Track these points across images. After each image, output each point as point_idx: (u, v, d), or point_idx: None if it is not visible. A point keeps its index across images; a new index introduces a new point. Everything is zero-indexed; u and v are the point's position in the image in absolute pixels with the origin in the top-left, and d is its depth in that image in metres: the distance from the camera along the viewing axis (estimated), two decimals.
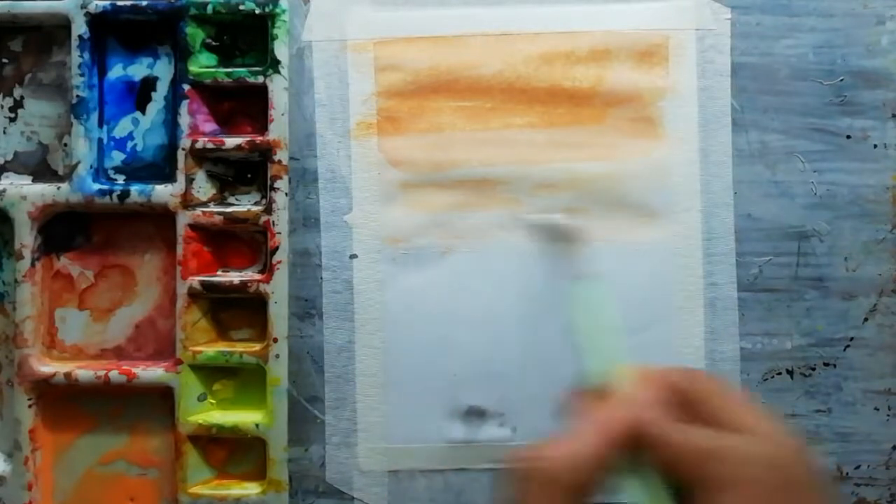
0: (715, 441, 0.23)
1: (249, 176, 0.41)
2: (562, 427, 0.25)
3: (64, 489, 0.40)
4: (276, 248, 0.39)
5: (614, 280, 0.40)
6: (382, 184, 0.41)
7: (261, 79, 0.39)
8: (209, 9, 0.39)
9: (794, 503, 0.22)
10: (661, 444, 0.23)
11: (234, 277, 0.40)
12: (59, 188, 0.40)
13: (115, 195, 0.39)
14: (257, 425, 0.39)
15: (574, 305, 0.24)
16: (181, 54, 0.40)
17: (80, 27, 0.39)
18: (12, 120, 0.41)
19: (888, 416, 0.41)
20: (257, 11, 0.39)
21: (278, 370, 0.39)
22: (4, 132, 0.41)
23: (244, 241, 0.41)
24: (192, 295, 0.39)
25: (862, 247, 0.41)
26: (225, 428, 0.39)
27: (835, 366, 0.41)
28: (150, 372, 0.39)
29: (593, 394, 0.25)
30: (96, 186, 0.40)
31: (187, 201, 0.39)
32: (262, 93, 0.39)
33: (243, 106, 0.40)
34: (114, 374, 0.39)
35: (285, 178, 0.39)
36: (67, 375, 0.39)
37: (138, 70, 0.41)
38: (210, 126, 0.40)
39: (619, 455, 0.24)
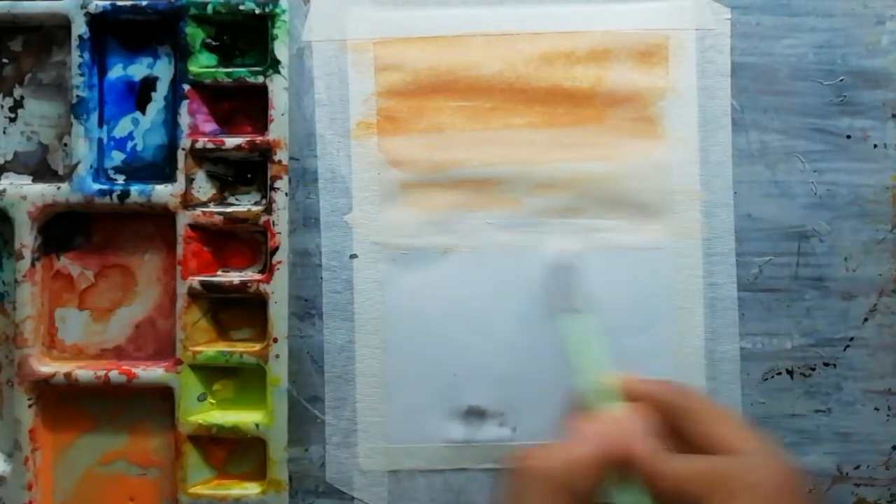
0: (705, 468, 0.23)
1: (249, 176, 0.41)
2: (558, 438, 0.26)
3: (64, 489, 0.40)
4: (276, 248, 0.39)
5: (614, 280, 0.40)
6: (382, 184, 0.41)
7: (261, 79, 0.39)
8: (209, 9, 0.39)
9: None
10: (650, 474, 0.24)
11: (234, 277, 0.40)
12: (59, 188, 0.40)
13: (115, 195, 0.39)
14: (257, 425, 0.39)
15: (567, 336, 0.25)
16: (181, 54, 0.40)
17: (80, 27, 0.39)
18: (12, 120, 0.41)
19: (888, 416, 0.41)
20: (257, 11, 0.39)
21: (278, 370, 0.39)
22: (4, 132, 0.41)
23: (244, 241, 0.41)
24: (192, 295, 0.39)
25: (862, 247, 0.41)
26: (225, 428, 0.39)
27: (835, 366, 0.41)
28: (150, 372, 0.39)
29: (587, 413, 0.26)
30: (96, 186, 0.40)
31: (187, 201, 0.39)
32: (262, 93, 0.39)
33: (243, 106, 0.40)
34: (114, 374, 0.39)
35: (285, 178, 0.39)
36: (67, 375, 0.39)
37: (138, 70, 0.41)
38: (210, 126, 0.40)
39: (609, 471, 0.24)
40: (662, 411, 0.25)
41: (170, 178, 0.40)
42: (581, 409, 0.26)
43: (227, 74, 0.39)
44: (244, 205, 0.40)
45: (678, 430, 0.25)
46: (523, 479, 0.24)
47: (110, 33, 0.41)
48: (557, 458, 0.24)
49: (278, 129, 0.39)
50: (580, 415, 0.26)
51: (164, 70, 0.41)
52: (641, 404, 0.26)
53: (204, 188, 0.40)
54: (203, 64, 0.40)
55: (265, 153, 0.39)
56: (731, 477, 0.22)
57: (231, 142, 0.39)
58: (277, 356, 0.39)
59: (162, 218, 0.40)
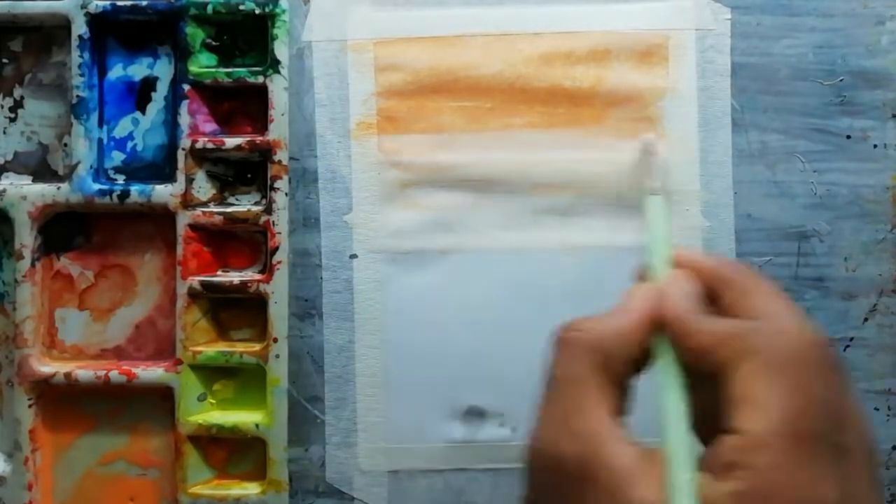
0: (728, 328, 0.23)
1: (249, 176, 0.41)
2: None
3: (64, 489, 0.40)
4: (276, 248, 0.39)
5: (614, 280, 0.40)
6: (382, 184, 0.41)
7: (261, 79, 0.39)
8: (209, 9, 0.39)
9: (816, 377, 0.21)
10: (679, 334, 0.23)
11: (234, 277, 0.40)
12: (59, 188, 0.40)
13: (115, 195, 0.39)
14: (257, 425, 0.39)
15: (644, 214, 0.27)
16: (181, 54, 0.40)
17: (80, 27, 0.39)
18: (12, 120, 0.41)
19: (888, 416, 0.41)
20: (257, 11, 0.39)
21: (278, 370, 0.39)
22: (4, 132, 0.41)
23: (244, 241, 0.41)
24: (192, 295, 0.39)
25: (862, 247, 0.41)
26: (225, 428, 0.39)
27: None
28: (150, 372, 0.39)
29: (643, 283, 0.26)
30: (96, 186, 0.40)
31: (187, 201, 0.39)
32: (262, 93, 0.39)
33: (243, 106, 0.40)
34: (114, 374, 0.39)
35: (285, 178, 0.39)
36: (67, 375, 0.39)
37: (138, 70, 0.41)
38: (210, 126, 0.40)
39: (648, 341, 0.24)
40: (707, 281, 0.25)
41: (170, 178, 0.40)
42: (643, 277, 0.27)
43: (227, 74, 0.39)
44: (244, 205, 0.40)
45: (720, 302, 0.24)
46: (564, 348, 0.24)
47: (110, 33, 0.41)
48: (598, 329, 0.24)
49: (278, 129, 0.39)
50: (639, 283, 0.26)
51: (164, 70, 0.41)
52: (686, 271, 0.25)
53: (204, 188, 0.40)
54: (203, 64, 0.40)
55: (265, 153, 0.39)
56: (751, 337, 0.21)
57: (231, 142, 0.39)
58: (277, 356, 0.39)
59: (162, 218, 0.40)
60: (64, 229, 0.41)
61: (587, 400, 0.23)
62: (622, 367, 0.24)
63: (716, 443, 0.21)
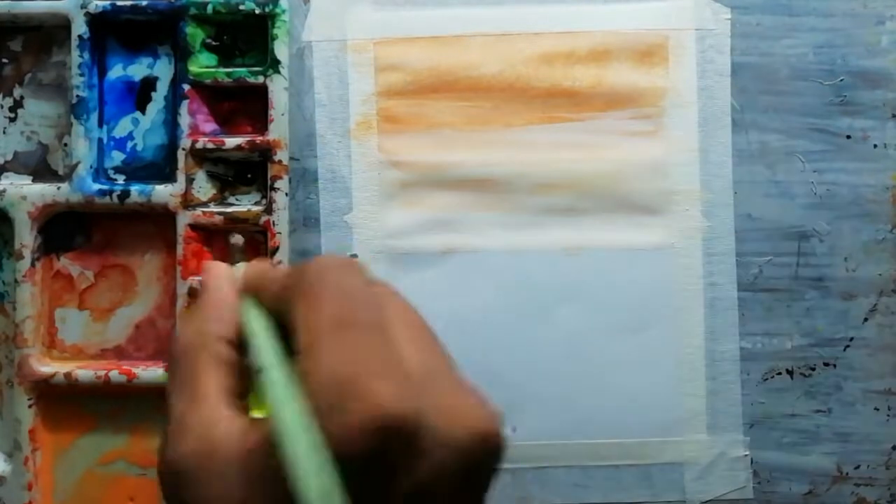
0: (289, 270, 0.25)
1: (249, 176, 0.41)
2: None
3: (64, 489, 0.40)
4: (276, 248, 0.39)
5: (614, 280, 0.40)
6: (382, 184, 0.41)
7: (261, 79, 0.39)
8: (209, 9, 0.39)
9: (343, 281, 0.22)
10: (259, 289, 0.25)
11: None
12: (59, 188, 0.40)
13: (115, 195, 0.39)
14: None
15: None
16: (181, 54, 0.40)
17: (80, 27, 0.39)
18: (12, 120, 0.41)
19: (888, 416, 0.41)
20: (257, 11, 0.39)
21: None
22: (4, 132, 0.41)
23: (244, 242, 0.41)
24: (193, 295, 0.39)
25: (862, 247, 0.41)
26: None
27: (835, 366, 0.41)
28: (150, 372, 0.39)
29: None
30: (96, 186, 0.40)
31: (187, 201, 0.39)
32: (262, 93, 0.39)
33: (243, 106, 0.40)
34: (114, 374, 0.39)
35: (285, 178, 0.39)
36: (67, 375, 0.39)
37: (138, 70, 0.41)
38: (210, 126, 0.40)
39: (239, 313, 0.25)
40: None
41: (170, 178, 0.40)
42: None
43: (227, 74, 0.39)
44: (244, 205, 0.40)
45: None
46: (184, 336, 0.25)
47: (110, 33, 0.41)
48: (200, 313, 0.25)
49: (278, 129, 0.39)
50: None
51: (164, 70, 0.41)
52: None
53: (204, 188, 0.40)
54: (203, 64, 0.40)
55: (265, 153, 0.39)
56: (305, 270, 0.23)
57: (231, 142, 0.39)
58: None
59: (162, 218, 0.40)
60: (64, 229, 0.41)
61: (201, 388, 0.24)
62: (224, 347, 0.24)
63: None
